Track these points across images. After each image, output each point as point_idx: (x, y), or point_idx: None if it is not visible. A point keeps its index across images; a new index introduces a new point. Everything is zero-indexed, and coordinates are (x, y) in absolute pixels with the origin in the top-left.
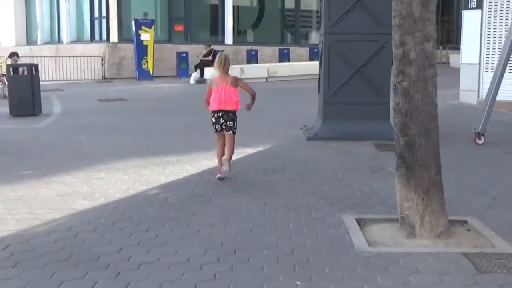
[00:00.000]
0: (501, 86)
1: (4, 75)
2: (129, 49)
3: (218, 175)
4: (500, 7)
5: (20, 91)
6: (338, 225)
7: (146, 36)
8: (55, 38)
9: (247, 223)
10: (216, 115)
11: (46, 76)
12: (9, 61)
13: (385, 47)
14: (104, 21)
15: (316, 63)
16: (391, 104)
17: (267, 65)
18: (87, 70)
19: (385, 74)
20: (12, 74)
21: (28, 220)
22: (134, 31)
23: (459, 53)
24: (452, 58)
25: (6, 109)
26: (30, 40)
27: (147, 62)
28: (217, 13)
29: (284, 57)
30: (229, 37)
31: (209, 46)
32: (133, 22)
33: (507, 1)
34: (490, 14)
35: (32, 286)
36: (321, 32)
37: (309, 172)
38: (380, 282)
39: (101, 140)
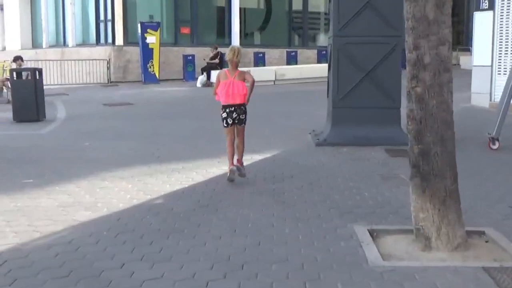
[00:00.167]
0: None
1: (8, 79)
2: (135, 52)
3: (228, 176)
4: None
5: (23, 96)
6: (350, 236)
7: (152, 39)
8: (60, 42)
9: (255, 235)
10: (228, 110)
11: (51, 80)
12: (13, 65)
13: (396, 50)
14: (109, 24)
15: (324, 65)
16: (405, 111)
17: (274, 67)
18: (93, 74)
19: (395, 77)
20: (15, 78)
21: (28, 232)
22: (140, 34)
23: (469, 54)
24: (463, 59)
25: (10, 114)
26: (35, 44)
27: (153, 65)
28: (223, 15)
29: (291, 59)
30: (236, 40)
31: (216, 48)
32: (138, 25)
33: None
34: (503, 15)
35: None
36: (330, 34)
37: (318, 179)
38: None
39: (105, 146)
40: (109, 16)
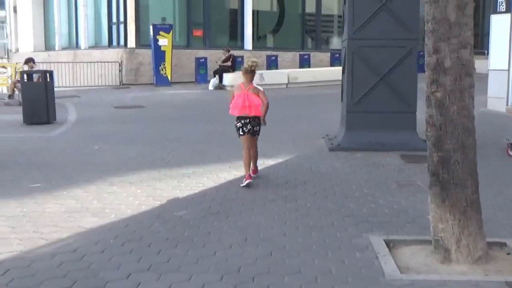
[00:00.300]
0: None
1: (19, 81)
2: (147, 54)
3: (244, 183)
4: None
5: (33, 98)
6: (366, 247)
7: (164, 41)
8: (73, 44)
9: (267, 244)
10: (243, 121)
11: (63, 82)
12: (25, 67)
13: (412, 53)
14: (122, 26)
15: (338, 68)
16: (421, 115)
17: (287, 71)
18: (105, 76)
19: (411, 81)
20: (26, 80)
21: (33, 240)
22: (152, 36)
23: (485, 58)
24: (477, 63)
25: (20, 117)
26: (48, 46)
27: (165, 67)
28: (236, 17)
29: (304, 62)
30: (248, 42)
31: (228, 51)
32: (151, 27)
33: None
34: None
35: None
36: (344, 37)
37: (332, 186)
38: None
39: (115, 150)
40: (122, 18)
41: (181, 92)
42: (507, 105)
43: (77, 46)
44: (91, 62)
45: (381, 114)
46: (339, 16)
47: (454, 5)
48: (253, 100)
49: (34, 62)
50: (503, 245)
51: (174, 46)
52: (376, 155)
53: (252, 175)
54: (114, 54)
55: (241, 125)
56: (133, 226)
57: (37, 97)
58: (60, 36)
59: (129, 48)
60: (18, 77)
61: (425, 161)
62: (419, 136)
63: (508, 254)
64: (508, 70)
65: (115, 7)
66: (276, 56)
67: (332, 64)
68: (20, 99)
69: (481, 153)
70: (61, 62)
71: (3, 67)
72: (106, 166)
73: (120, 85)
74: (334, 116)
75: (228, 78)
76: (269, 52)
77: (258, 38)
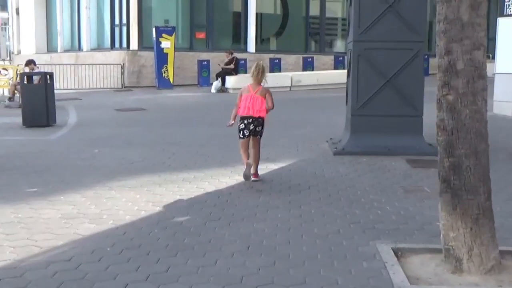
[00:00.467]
0: None
1: (20, 83)
2: (149, 57)
3: (245, 170)
4: None
5: (33, 101)
6: (373, 256)
7: (166, 43)
8: (75, 46)
9: (270, 253)
10: (246, 121)
11: (65, 84)
12: (26, 70)
13: (419, 56)
14: (124, 29)
15: (342, 71)
16: (426, 119)
17: (290, 73)
18: (107, 78)
19: (418, 84)
20: (25, 82)
21: (27, 247)
22: (154, 39)
23: (490, 61)
24: None
25: (20, 119)
26: (50, 48)
27: (167, 70)
28: (239, 20)
29: (308, 65)
30: (251, 45)
31: (231, 54)
32: (153, 30)
33: None
34: None
35: None
36: (350, 39)
37: (337, 192)
38: None
39: (115, 154)
40: (124, 21)
41: (183, 95)
42: None
43: (80, 48)
44: (93, 65)
45: (387, 117)
46: (343, 19)
47: (467, 5)
48: (259, 103)
49: (35, 64)
50: None
51: (176, 49)
52: (382, 159)
53: (253, 179)
54: (117, 56)
55: (243, 126)
56: (131, 233)
57: (37, 100)
58: (62, 38)
59: (131, 50)
60: (18, 79)
61: (432, 166)
62: (425, 140)
63: None
64: None
65: (117, 9)
66: (280, 59)
67: (335, 67)
68: (21, 102)
69: (490, 157)
70: (63, 65)
71: (4, 69)
72: (105, 170)
73: (122, 87)
74: (338, 119)
75: (230, 81)
76: (272, 55)
77: (261, 41)
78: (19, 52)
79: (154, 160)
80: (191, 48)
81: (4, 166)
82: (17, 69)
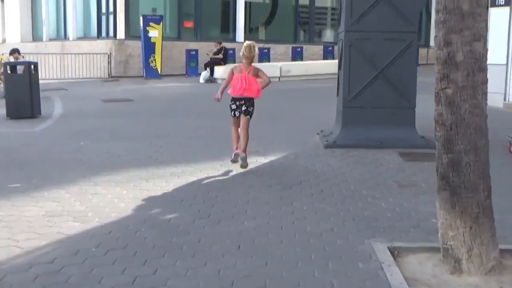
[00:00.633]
0: None
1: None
2: (136, 46)
3: (232, 158)
4: None
5: (17, 92)
6: (369, 256)
7: (154, 33)
8: (61, 35)
9: (262, 254)
10: (238, 103)
11: (51, 74)
12: (11, 59)
13: (412, 46)
14: (111, 17)
15: (331, 61)
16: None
17: (280, 64)
18: (93, 68)
19: (411, 76)
20: (9, 72)
21: (7, 248)
22: (142, 28)
23: None
24: None
25: (4, 111)
26: (35, 37)
27: (155, 60)
28: (228, 9)
29: (297, 55)
30: (240, 35)
31: (220, 43)
32: (141, 18)
33: None
34: None
35: None
36: (341, 29)
37: (330, 187)
38: None
39: (101, 147)
40: (111, 9)
41: (171, 85)
42: (504, 100)
43: (65, 37)
44: (79, 54)
45: (379, 109)
46: (333, 9)
47: None
48: (253, 83)
49: (19, 53)
50: None
51: (164, 38)
52: (374, 152)
53: (242, 154)
54: (103, 45)
55: (235, 106)
56: (117, 233)
57: (21, 90)
58: (48, 27)
59: (118, 39)
60: (2, 69)
61: (425, 159)
62: (418, 133)
63: None
64: (507, 64)
65: None
66: (269, 49)
67: (325, 57)
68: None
69: None
70: (49, 54)
71: None
72: (91, 164)
73: (109, 77)
74: (329, 111)
75: (219, 71)
76: (261, 45)
77: (250, 30)
78: (4, 41)
79: (141, 153)
80: (179, 38)
81: None
82: (1, 58)
